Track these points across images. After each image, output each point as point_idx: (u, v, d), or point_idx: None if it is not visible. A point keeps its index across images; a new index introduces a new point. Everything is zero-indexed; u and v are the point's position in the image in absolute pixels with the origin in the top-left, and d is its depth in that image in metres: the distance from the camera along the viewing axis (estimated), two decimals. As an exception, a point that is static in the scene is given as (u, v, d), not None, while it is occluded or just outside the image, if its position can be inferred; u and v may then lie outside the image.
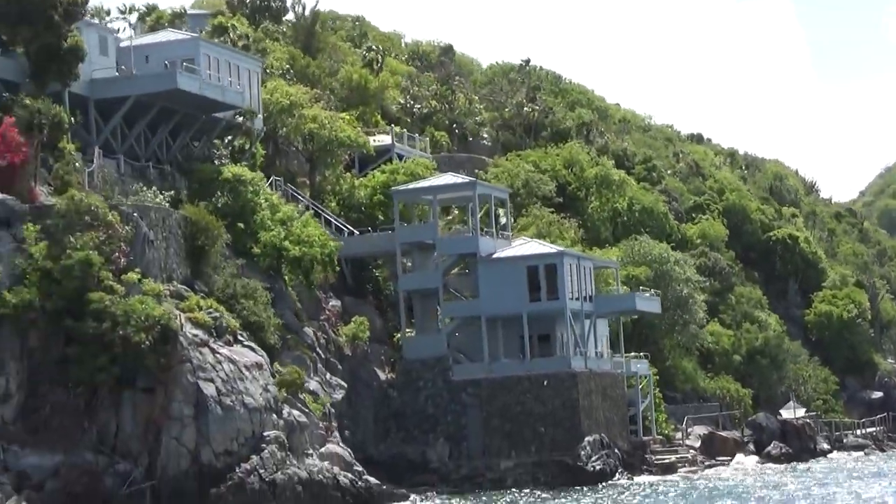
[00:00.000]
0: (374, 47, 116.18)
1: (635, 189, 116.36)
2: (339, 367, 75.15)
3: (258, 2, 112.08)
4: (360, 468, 64.01)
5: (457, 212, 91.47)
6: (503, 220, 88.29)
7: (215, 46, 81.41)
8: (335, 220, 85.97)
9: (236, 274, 66.89)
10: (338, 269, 78.94)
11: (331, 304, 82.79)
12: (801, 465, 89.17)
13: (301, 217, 77.12)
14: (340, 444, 64.91)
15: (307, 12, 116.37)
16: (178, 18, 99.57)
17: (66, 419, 56.80)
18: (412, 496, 69.44)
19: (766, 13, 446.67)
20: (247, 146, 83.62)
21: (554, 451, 78.92)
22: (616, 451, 79.79)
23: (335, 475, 59.97)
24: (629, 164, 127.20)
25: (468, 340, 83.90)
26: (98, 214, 59.20)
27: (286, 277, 75.54)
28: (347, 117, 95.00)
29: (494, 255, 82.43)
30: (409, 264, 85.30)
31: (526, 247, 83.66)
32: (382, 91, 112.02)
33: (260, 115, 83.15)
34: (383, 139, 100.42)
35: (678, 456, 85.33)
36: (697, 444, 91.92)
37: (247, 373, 59.02)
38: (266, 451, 57.56)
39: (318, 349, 76.41)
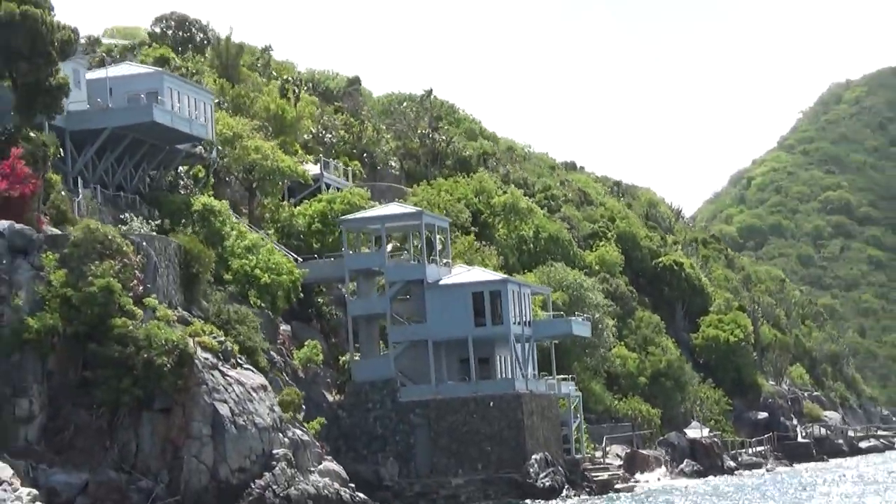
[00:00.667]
0: (289, 78, 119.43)
1: (540, 217, 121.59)
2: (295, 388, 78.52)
3: (180, 33, 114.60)
4: (353, 485, 67.69)
5: (394, 240, 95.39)
6: (439, 248, 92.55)
7: (176, 79, 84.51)
8: (279, 247, 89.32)
9: (226, 300, 70.08)
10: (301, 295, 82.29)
11: (281, 328, 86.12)
12: (725, 480, 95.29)
13: (265, 245, 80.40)
14: (335, 461, 68.46)
15: (221, 43, 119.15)
16: (128, 52, 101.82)
17: (90, 439, 59.71)
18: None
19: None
20: (200, 175, 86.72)
21: (501, 468, 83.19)
22: (560, 468, 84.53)
23: (337, 490, 63.79)
24: (529, 192, 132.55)
25: (411, 363, 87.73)
26: (112, 243, 62.07)
27: (252, 302, 78.64)
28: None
29: (441, 282, 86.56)
30: (354, 290, 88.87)
31: (470, 274, 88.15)
32: (298, 121, 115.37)
33: (216, 146, 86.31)
34: (309, 168, 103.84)
35: (610, 473, 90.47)
36: (617, 462, 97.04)
37: (254, 394, 62.56)
38: (277, 468, 61.15)
39: (276, 371, 79.76)
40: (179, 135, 79.65)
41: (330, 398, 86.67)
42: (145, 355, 59.02)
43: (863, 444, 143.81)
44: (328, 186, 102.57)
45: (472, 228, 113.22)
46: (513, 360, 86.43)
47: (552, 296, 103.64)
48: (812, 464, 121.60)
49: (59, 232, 63.38)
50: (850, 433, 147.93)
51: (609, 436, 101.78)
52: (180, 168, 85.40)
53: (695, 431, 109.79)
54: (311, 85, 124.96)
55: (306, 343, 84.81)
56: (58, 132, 74.77)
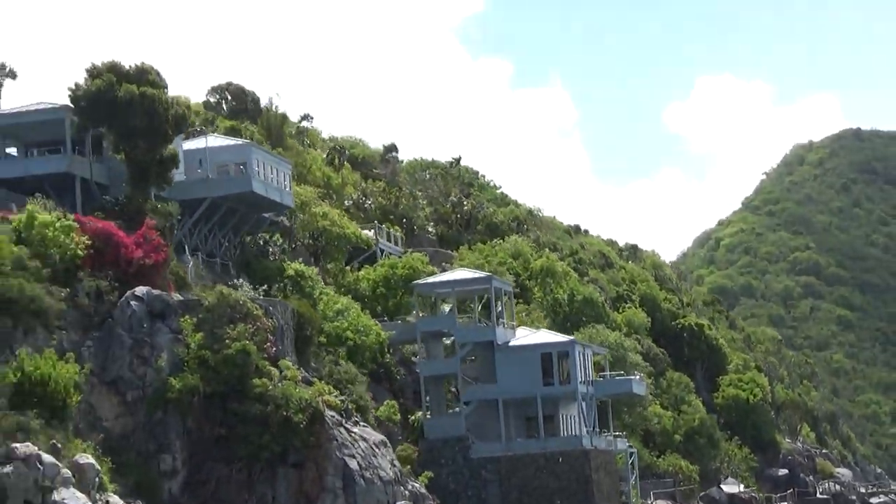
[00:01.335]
0: (336, 147, 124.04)
1: (574, 280, 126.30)
2: (410, 445, 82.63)
3: (234, 103, 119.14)
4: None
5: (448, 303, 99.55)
6: (500, 310, 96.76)
7: (262, 151, 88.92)
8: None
9: (334, 361, 74.29)
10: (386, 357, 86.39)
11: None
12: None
13: (353, 309, 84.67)
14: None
15: (268, 112, 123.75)
16: (209, 123, 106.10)
17: (231, 492, 63.66)
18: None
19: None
20: (279, 241, 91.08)
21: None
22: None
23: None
24: (559, 256, 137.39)
25: (477, 421, 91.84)
26: (243, 308, 66.33)
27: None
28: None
29: (510, 343, 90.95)
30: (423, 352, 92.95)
31: (537, 336, 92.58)
32: (343, 188, 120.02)
33: (297, 214, 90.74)
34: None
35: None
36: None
37: (377, 449, 66.78)
38: (407, 514, 65.25)
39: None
40: (271, 203, 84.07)
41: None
42: (284, 413, 63.06)
43: (873, 501, 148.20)
44: (382, 251, 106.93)
45: (515, 290, 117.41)
46: (580, 418, 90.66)
47: (596, 357, 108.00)
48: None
49: (192, 297, 67.30)
50: (862, 489, 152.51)
51: (654, 491, 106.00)
52: (265, 235, 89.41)
53: (731, 487, 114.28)
54: (347, 152, 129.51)
55: (385, 402, 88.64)
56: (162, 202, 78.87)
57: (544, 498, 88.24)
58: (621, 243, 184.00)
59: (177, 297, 66.56)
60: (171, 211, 71.40)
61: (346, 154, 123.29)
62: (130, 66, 74.01)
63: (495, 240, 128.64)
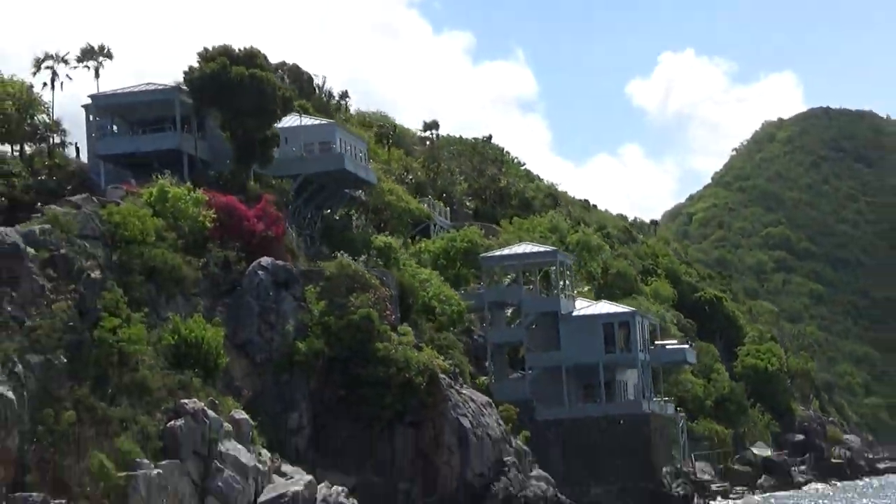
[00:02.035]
0: (384, 125, 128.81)
1: (608, 253, 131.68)
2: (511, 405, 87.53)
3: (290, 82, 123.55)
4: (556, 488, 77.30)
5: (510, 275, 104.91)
6: (564, 283, 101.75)
7: (344, 130, 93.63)
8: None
9: (434, 328, 79.44)
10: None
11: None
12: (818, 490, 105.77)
13: (434, 279, 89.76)
14: (539, 469, 77.99)
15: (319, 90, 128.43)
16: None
17: (353, 448, 68.72)
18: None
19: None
20: (353, 215, 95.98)
21: (630, 481, 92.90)
22: (687, 479, 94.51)
23: (555, 493, 73.32)
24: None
25: (538, 386, 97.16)
26: (361, 278, 71.40)
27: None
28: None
29: (574, 313, 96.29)
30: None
31: (599, 306, 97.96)
32: (389, 164, 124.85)
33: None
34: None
35: (718, 485, 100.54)
36: (707, 476, 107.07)
37: (484, 410, 72.00)
38: (510, 473, 70.55)
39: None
40: (357, 180, 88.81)
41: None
42: (406, 375, 68.18)
43: (880, 466, 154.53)
44: (435, 225, 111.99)
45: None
46: (641, 384, 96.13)
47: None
48: (853, 482, 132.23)
49: (313, 267, 72.26)
50: (869, 455, 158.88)
51: (694, 453, 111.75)
52: (345, 209, 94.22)
53: (762, 450, 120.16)
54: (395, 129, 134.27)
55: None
56: (260, 179, 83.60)
57: (605, 458, 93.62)
58: (630, 218, 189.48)
59: (300, 266, 71.35)
60: (286, 187, 76.14)
61: (393, 132, 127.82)
62: (240, 50, 78.64)
63: (532, 215, 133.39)
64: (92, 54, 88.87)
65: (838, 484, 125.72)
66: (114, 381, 58.01)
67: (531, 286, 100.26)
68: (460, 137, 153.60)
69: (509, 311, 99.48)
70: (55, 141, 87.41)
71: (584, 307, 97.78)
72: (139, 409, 57.55)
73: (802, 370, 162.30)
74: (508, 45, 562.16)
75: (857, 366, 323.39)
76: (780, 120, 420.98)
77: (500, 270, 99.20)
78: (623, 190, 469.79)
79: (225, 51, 78.15)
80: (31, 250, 59.18)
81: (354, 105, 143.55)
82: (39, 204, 66.19)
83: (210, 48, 78.87)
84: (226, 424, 59.34)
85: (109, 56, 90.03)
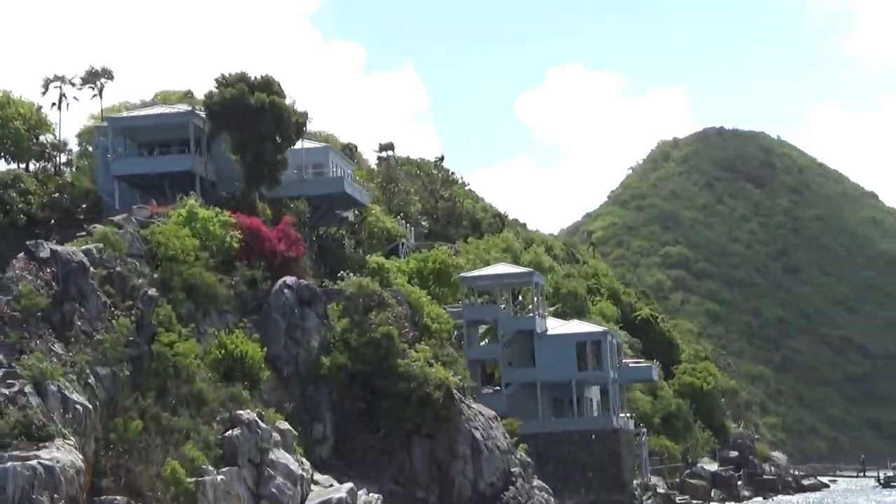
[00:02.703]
0: (349, 145, 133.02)
1: (559, 273, 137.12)
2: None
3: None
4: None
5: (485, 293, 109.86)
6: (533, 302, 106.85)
7: (337, 153, 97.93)
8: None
9: (438, 344, 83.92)
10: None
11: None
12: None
13: (424, 297, 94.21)
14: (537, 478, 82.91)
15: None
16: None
17: (374, 458, 73.16)
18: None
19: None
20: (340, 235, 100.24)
21: (602, 493, 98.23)
22: (655, 492, 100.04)
23: (557, 502, 78.30)
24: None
25: (512, 402, 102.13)
26: (379, 297, 75.91)
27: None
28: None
29: (548, 332, 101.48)
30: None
31: (572, 325, 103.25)
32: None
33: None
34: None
35: (680, 498, 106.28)
36: (662, 489, 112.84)
37: (492, 423, 76.81)
38: (517, 482, 75.45)
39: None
40: (353, 202, 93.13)
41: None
42: (426, 390, 72.78)
43: (805, 482, 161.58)
44: (403, 244, 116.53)
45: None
46: (611, 401, 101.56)
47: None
48: (787, 497, 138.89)
49: (334, 286, 76.62)
50: (794, 472, 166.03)
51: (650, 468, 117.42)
52: (333, 229, 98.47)
53: (710, 465, 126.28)
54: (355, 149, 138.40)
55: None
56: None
57: (578, 471, 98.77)
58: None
59: (322, 286, 75.72)
60: (302, 209, 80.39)
61: (355, 151, 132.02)
62: (256, 78, 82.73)
63: (484, 235, 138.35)
64: (96, 76, 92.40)
65: (774, 498, 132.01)
66: (173, 392, 61.93)
67: (504, 305, 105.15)
68: (409, 158, 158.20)
69: (481, 329, 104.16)
70: (61, 160, 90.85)
71: (558, 326, 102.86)
72: (198, 419, 61.49)
73: (732, 388, 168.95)
74: (399, 56, 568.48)
75: (753, 384, 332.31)
76: (676, 139, 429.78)
77: (477, 289, 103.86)
78: (512, 205, 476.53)
79: (242, 77, 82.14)
80: (92, 268, 62.97)
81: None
82: (87, 224, 69.77)
83: (227, 74, 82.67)
84: (274, 434, 63.46)
85: (111, 77, 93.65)
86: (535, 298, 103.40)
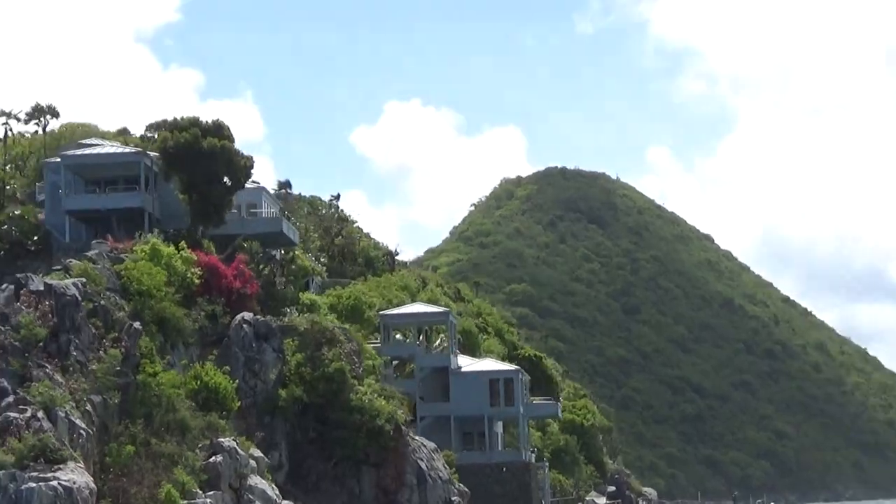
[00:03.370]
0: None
1: (453, 311, 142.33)
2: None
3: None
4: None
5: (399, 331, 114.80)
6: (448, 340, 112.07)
7: (267, 193, 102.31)
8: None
9: (375, 379, 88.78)
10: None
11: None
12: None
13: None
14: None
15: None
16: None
17: (326, 485, 77.77)
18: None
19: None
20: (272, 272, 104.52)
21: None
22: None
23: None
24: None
25: (428, 435, 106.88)
26: (330, 333, 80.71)
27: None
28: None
29: (463, 369, 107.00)
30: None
31: (484, 363, 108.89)
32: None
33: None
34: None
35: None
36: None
37: (433, 454, 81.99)
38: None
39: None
40: (287, 241, 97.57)
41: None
42: (377, 422, 77.70)
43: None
44: (313, 280, 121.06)
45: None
46: (522, 435, 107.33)
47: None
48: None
49: (288, 323, 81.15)
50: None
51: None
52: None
53: (599, 499, 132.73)
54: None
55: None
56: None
57: (490, 502, 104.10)
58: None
59: (277, 321, 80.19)
60: (256, 248, 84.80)
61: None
62: (207, 122, 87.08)
63: (380, 273, 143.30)
64: (41, 112, 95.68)
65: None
66: (157, 419, 65.99)
67: (418, 342, 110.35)
68: (300, 194, 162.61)
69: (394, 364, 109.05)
70: (7, 194, 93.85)
71: (470, 364, 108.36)
72: (184, 445, 65.63)
73: (606, 426, 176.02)
74: (237, 85, 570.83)
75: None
76: (519, 177, 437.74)
77: (391, 327, 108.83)
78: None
79: (195, 122, 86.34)
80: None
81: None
82: (65, 259, 73.36)
83: (180, 118, 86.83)
84: (251, 461, 67.84)
85: (56, 114, 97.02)
86: (450, 337, 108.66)
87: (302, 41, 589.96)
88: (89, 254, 74.50)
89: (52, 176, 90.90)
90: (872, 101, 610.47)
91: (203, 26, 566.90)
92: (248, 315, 78.89)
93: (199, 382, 70.16)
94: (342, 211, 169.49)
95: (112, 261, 74.83)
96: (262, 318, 79.21)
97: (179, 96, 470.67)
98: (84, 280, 68.97)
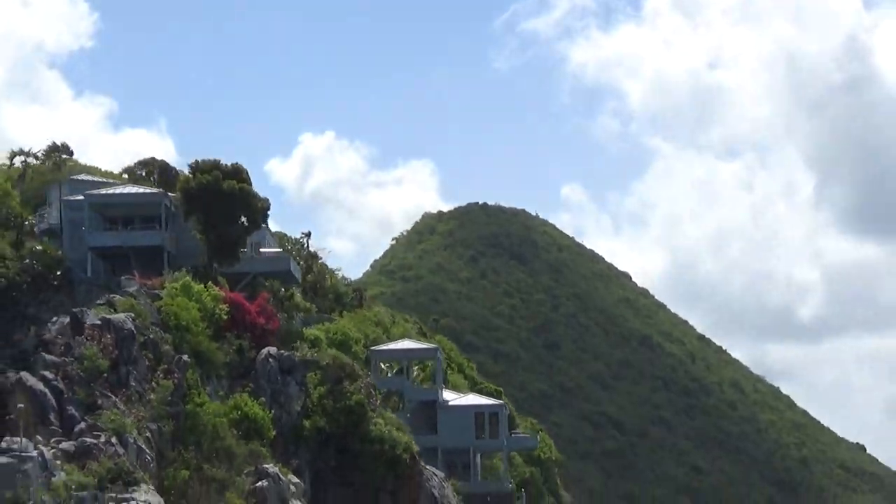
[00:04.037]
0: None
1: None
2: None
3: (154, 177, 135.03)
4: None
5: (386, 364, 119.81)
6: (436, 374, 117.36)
7: (269, 232, 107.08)
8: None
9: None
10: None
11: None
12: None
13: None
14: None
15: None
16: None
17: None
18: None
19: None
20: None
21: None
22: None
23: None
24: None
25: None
26: (349, 367, 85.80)
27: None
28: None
29: (450, 403, 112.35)
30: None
31: (469, 398, 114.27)
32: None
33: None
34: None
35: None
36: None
37: (444, 483, 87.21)
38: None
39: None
40: (291, 278, 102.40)
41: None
42: (396, 451, 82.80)
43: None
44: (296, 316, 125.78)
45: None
46: (505, 466, 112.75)
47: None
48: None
49: (311, 358, 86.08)
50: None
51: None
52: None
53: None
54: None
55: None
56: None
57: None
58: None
59: (299, 356, 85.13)
60: (277, 286, 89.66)
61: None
62: (227, 165, 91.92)
63: (352, 308, 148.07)
64: (56, 151, 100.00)
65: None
66: (206, 446, 70.76)
67: (411, 377, 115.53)
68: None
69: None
70: (25, 230, 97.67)
71: (455, 398, 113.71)
72: (232, 471, 70.43)
73: (559, 459, 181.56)
74: (151, 113, 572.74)
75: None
76: (440, 213, 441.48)
77: (380, 361, 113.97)
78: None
79: (215, 165, 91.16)
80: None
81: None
82: (108, 294, 77.78)
83: (200, 161, 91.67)
84: (291, 486, 72.73)
85: (70, 153, 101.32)
86: (438, 371, 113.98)
87: (218, 71, 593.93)
88: (130, 290, 78.85)
89: (71, 213, 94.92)
90: (787, 143, 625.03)
91: (117, 53, 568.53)
92: (272, 350, 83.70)
93: (239, 413, 74.71)
94: (311, 248, 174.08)
95: (150, 297, 79.29)
96: (287, 353, 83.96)
97: (92, 123, 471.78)
98: (132, 315, 73.51)
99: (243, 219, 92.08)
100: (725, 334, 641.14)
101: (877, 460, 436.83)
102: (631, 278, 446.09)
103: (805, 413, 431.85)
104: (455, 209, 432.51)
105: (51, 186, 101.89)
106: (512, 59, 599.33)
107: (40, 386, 66.12)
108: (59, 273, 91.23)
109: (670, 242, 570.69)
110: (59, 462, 61.09)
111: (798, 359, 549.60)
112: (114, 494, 60.63)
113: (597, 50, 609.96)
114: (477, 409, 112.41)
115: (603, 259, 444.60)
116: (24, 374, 66.58)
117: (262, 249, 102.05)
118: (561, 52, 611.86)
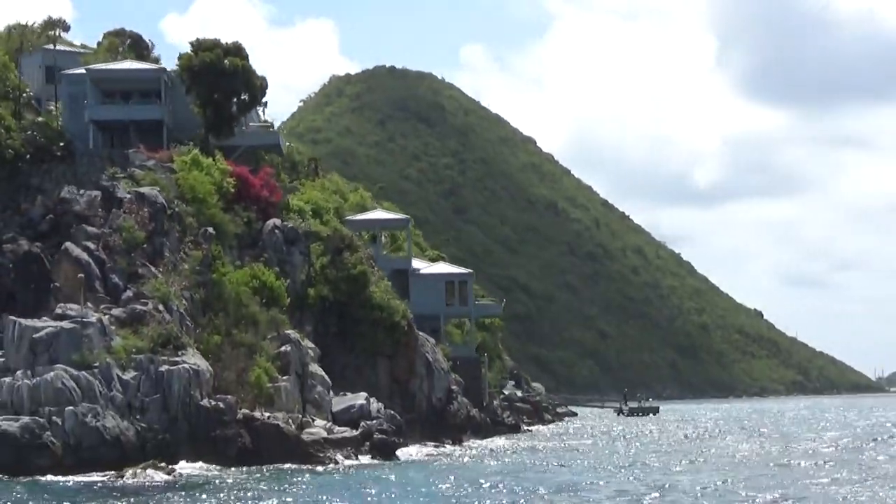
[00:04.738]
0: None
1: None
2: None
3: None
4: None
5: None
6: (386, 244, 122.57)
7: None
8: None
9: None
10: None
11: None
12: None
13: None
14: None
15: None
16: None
17: (350, 374, 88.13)
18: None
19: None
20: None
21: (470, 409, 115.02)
22: (509, 410, 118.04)
23: (477, 413, 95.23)
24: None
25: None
26: (349, 238, 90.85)
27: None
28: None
29: (421, 272, 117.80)
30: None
31: (439, 266, 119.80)
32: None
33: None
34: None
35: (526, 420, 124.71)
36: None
37: (435, 349, 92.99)
38: (458, 398, 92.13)
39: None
40: (278, 151, 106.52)
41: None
42: (395, 318, 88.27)
43: (559, 410, 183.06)
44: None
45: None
46: (471, 332, 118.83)
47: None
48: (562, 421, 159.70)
49: (312, 229, 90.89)
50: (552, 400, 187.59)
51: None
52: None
53: (514, 391, 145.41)
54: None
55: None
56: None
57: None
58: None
59: (302, 227, 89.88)
60: (277, 161, 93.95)
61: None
62: (227, 43, 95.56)
63: (317, 178, 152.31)
64: (53, 26, 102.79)
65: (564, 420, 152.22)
66: (233, 313, 75.67)
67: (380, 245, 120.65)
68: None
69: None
70: (23, 102, 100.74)
71: (426, 267, 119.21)
72: (258, 336, 75.48)
73: (499, 324, 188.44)
74: None
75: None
76: (348, 75, 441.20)
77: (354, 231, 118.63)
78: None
79: (216, 43, 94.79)
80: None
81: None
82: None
83: (201, 39, 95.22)
84: (309, 350, 78.01)
85: (66, 28, 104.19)
86: (408, 241, 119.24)
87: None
88: (147, 164, 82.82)
89: (71, 87, 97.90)
90: (686, 7, 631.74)
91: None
92: (277, 221, 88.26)
93: (258, 282, 79.52)
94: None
95: (165, 171, 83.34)
96: (290, 225, 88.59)
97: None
98: (159, 189, 77.76)
99: (244, 96, 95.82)
100: (625, 199, 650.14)
101: (773, 326, 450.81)
102: (536, 143, 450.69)
103: (705, 279, 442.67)
104: (362, 72, 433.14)
105: (21, 56, 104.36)
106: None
107: (84, 256, 70.34)
108: (61, 144, 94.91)
109: (571, 107, 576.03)
110: (113, 328, 65.77)
111: (694, 223, 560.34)
112: (165, 357, 65.56)
113: None
114: (447, 278, 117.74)
115: (508, 123, 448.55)
116: (69, 245, 70.75)
117: (251, 123, 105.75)
118: None
